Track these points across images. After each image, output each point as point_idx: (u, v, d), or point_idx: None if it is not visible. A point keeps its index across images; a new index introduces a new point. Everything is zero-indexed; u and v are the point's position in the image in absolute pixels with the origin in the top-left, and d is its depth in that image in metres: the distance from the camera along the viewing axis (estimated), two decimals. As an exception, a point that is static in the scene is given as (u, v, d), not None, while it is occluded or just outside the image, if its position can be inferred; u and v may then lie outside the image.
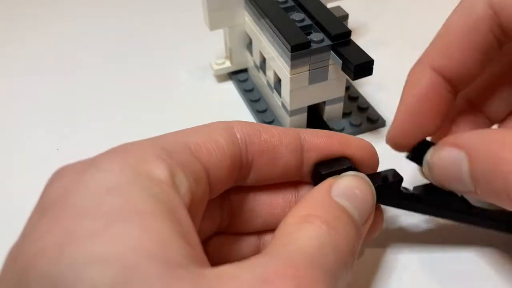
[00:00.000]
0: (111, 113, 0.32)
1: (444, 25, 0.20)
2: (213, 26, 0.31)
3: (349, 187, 0.17)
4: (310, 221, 0.15)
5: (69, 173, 0.14)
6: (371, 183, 0.18)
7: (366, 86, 0.32)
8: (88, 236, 0.12)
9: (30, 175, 0.26)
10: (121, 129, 0.31)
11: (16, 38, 0.41)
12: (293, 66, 0.25)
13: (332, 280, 0.14)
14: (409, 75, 0.21)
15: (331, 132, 0.19)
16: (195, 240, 0.14)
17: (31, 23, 0.43)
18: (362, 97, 0.31)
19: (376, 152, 0.20)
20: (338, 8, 0.28)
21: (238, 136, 0.17)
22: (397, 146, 0.21)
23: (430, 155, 0.19)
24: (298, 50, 0.25)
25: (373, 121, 0.29)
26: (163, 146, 0.15)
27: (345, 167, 0.18)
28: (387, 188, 0.19)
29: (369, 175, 0.18)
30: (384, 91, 0.32)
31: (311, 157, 0.19)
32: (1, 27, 0.43)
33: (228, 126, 0.17)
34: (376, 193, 0.18)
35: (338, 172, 0.18)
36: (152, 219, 0.13)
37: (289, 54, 0.25)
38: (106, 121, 0.32)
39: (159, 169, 0.14)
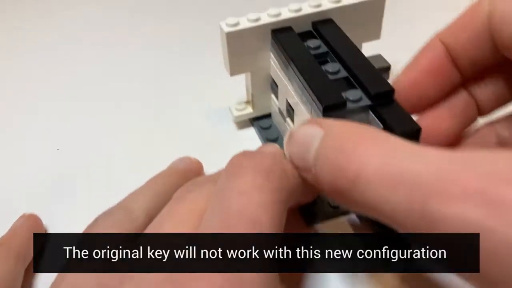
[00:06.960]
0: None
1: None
2: (233, 71, 0.27)
3: None
4: None
5: None
6: None
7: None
8: None
9: (31, 175, 0.26)
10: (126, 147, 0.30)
11: (20, 39, 0.41)
12: (324, 128, 0.22)
13: None
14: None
15: None
16: None
17: (35, 24, 0.43)
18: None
19: None
20: (379, 57, 0.24)
21: None
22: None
23: (295, 127, 0.19)
24: (331, 111, 0.21)
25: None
26: None
27: None
28: None
29: None
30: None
31: None
32: (1, 27, 0.43)
33: None
34: None
35: None
36: None
37: (321, 114, 0.21)
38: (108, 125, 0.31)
39: None
